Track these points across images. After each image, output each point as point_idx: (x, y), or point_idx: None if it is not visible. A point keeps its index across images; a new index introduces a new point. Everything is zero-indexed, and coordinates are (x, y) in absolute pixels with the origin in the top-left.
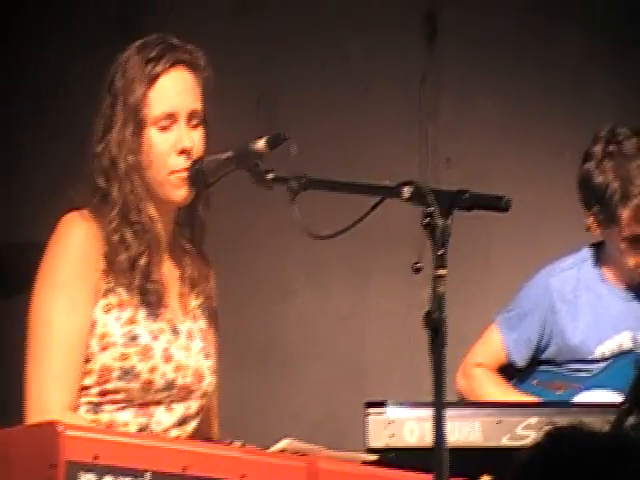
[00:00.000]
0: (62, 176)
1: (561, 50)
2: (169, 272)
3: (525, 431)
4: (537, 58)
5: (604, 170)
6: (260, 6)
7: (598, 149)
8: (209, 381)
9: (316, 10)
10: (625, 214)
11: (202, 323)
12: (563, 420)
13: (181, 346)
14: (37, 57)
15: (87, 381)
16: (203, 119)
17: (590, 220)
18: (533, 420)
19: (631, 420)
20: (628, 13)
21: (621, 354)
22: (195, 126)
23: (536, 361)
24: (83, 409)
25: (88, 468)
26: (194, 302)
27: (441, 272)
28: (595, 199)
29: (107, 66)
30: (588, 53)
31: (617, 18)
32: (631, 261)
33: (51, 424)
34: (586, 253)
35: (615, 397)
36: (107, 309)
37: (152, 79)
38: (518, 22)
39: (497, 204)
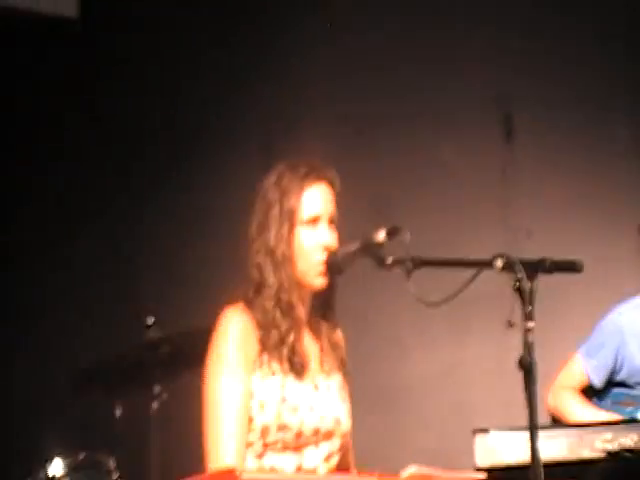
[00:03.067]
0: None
1: (610, 136)
2: (308, 343)
3: (603, 444)
4: (592, 145)
5: None
6: (372, 128)
7: None
8: (346, 423)
9: (413, 120)
10: None
11: (336, 378)
12: (634, 434)
13: (321, 399)
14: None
15: (251, 437)
16: (336, 221)
17: None
18: (609, 435)
19: None
20: None
21: None
22: (332, 227)
23: (610, 383)
24: (249, 457)
25: None
26: (329, 363)
27: (530, 325)
28: None
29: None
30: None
31: None
32: None
33: (231, 471)
34: None
35: None
36: (263, 378)
37: (303, 190)
38: (578, 114)
39: (573, 267)
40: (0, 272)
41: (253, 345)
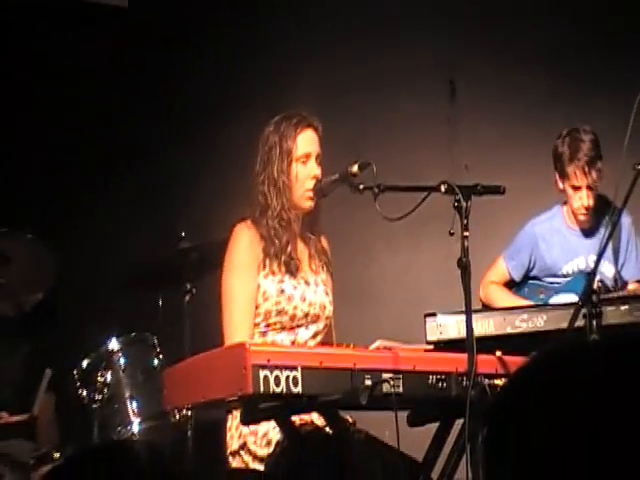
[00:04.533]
0: (232, 195)
1: (531, 92)
2: (301, 250)
3: (520, 323)
4: (516, 98)
5: (563, 144)
6: (349, 86)
7: (564, 132)
8: (329, 309)
9: (380, 81)
10: (571, 170)
11: (323, 275)
12: (543, 315)
13: (311, 291)
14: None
15: (257, 320)
16: (321, 158)
17: (556, 177)
18: (525, 316)
19: (584, 311)
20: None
21: (579, 272)
22: (318, 162)
23: (526, 277)
24: (256, 336)
25: (264, 367)
26: (317, 265)
27: (466, 234)
28: (558, 161)
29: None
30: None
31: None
32: (575, 203)
33: (242, 344)
34: (556, 209)
35: (575, 298)
36: (265, 276)
37: (297, 135)
38: (508, 78)
39: (497, 190)
40: (63, 193)
41: (258, 252)
